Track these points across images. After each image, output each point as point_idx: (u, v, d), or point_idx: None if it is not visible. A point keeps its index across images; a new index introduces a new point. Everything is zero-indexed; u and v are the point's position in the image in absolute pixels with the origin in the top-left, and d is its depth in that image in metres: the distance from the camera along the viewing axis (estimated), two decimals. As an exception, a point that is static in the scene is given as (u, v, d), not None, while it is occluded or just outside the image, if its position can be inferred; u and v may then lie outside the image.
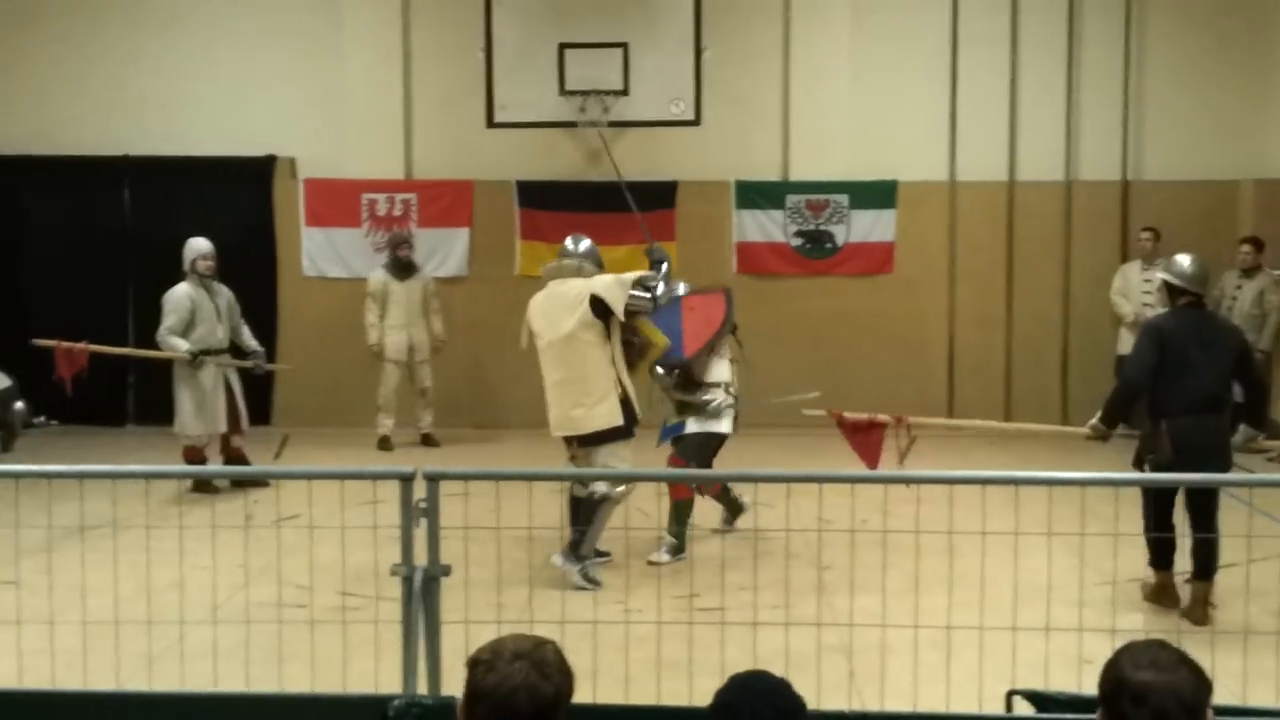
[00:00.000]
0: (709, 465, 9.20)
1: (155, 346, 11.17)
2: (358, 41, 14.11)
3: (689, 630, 5.64)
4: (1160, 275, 8.10)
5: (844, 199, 14.06)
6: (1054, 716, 4.37)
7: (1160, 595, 7.71)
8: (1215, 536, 7.26)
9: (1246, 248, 12.96)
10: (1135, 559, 7.72)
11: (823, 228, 14.08)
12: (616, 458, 8.42)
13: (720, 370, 9.43)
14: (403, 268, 13.19)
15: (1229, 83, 13.93)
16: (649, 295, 8.49)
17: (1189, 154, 13.86)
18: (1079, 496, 6.40)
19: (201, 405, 11.05)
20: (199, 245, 11.16)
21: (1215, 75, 13.96)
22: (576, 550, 8.32)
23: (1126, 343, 13.37)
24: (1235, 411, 7.99)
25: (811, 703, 3.19)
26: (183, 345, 10.91)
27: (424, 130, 14.28)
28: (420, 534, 4.91)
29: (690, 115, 13.21)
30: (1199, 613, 7.38)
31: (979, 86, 13.98)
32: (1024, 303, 14.13)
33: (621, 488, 8.32)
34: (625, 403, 8.43)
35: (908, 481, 5.94)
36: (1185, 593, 7.59)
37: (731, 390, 9.44)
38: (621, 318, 8.34)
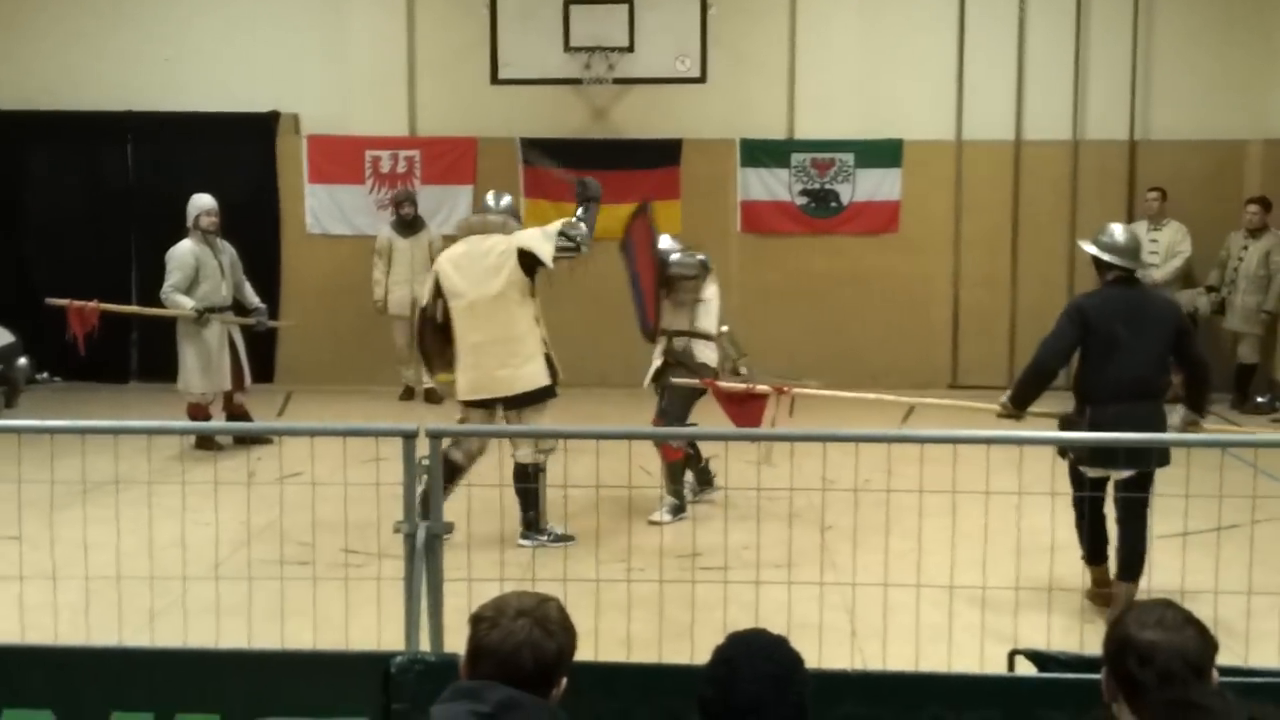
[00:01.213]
0: (686, 418, 9.00)
1: (159, 303, 11.18)
2: (362, -3, 14.05)
3: (691, 589, 5.64)
4: (1087, 247, 7.24)
5: (849, 158, 14.00)
6: (1056, 675, 4.38)
7: (1096, 592, 7.07)
8: (1143, 541, 6.79)
9: (1254, 208, 12.93)
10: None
11: (828, 186, 14.03)
12: (547, 418, 8.36)
13: (704, 319, 9.17)
14: (406, 225, 13.19)
15: (1238, 42, 13.83)
16: (575, 243, 8.28)
17: (1197, 113, 13.78)
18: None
19: (206, 362, 11.06)
20: (202, 201, 11.14)
21: (1224, 34, 13.86)
22: (536, 527, 8.32)
23: None
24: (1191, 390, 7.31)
25: (813, 661, 3.19)
26: (188, 303, 10.91)
27: (428, 87, 14.22)
28: (423, 491, 4.91)
29: (695, 72, 13.12)
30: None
31: (986, 44, 13.90)
32: (1030, 264, 14.08)
33: (548, 450, 8.18)
34: (549, 362, 8.36)
35: (917, 440, 5.89)
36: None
37: (728, 346, 9.34)
38: (550, 266, 8.20)
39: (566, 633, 3.03)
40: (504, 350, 8.20)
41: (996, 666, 4.73)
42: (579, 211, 8.54)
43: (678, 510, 8.93)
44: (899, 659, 5.39)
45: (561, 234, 8.26)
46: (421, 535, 4.80)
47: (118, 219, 14.24)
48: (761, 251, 13.93)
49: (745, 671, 2.97)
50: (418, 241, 13.18)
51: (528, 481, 8.17)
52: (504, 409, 8.37)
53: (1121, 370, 6.89)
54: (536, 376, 8.27)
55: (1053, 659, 4.48)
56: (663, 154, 13.98)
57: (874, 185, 14.04)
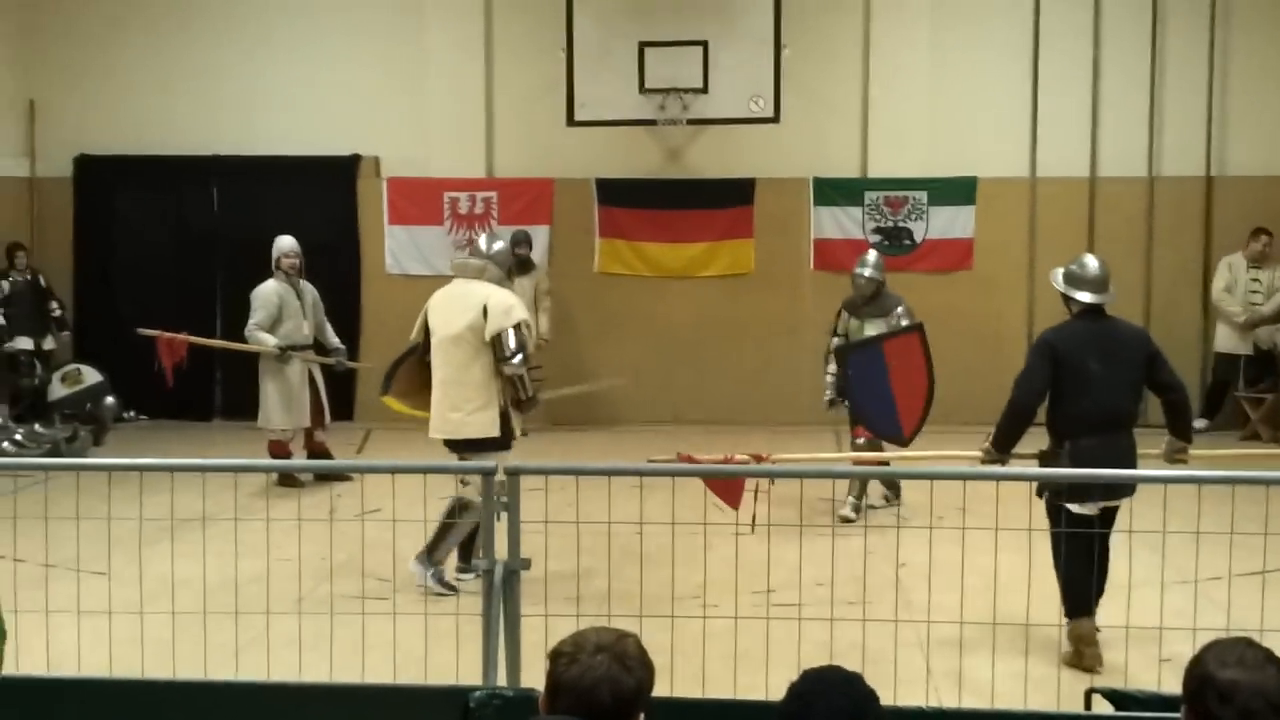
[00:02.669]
0: None
1: (244, 342, 11.37)
2: (440, 41, 14.26)
3: (765, 625, 5.66)
4: (1054, 282, 7.22)
5: (923, 195, 14.00)
6: (1133, 715, 4.35)
7: (1079, 648, 6.66)
8: (1102, 577, 6.65)
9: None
10: (1218, 557, 7.61)
11: (901, 224, 14.03)
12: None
13: None
14: (521, 264, 13.30)
15: (1316, 76, 13.70)
16: (517, 356, 8.15)
17: (1274, 148, 13.64)
18: (1159, 495, 6.34)
19: (287, 399, 11.23)
20: (284, 243, 11.34)
21: (1302, 68, 13.75)
22: (431, 554, 8.19)
23: (1226, 340, 13.26)
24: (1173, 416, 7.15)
25: (888, 699, 3.21)
26: (270, 340, 11.10)
27: (505, 129, 14.39)
28: (501, 528, 4.97)
29: (769, 112, 13.16)
30: (1074, 655, 6.61)
31: (1060, 81, 13.86)
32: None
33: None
34: (504, 417, 8.25)
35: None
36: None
37: None
38: (487, 338, 8.13)
39: (645, 668, 3.04)
40: (457, 393, 8.18)
41: (1074, 705, 4.71)
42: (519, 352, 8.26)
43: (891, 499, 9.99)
44: (974, 697, 5.39)
45: (519, 330, 8.17)
46: (499, 571, 4.86)
47: (202, 260, 14.52)
48: (835, 289, 13.83)
49: (819, 707, 2.98)
50: (527, 281, 13.29)
51: (451, 516, 8.08)
52: (451, 449, 8.33)
53: (1095, 403, 6.81)
54: (483, 426, 8.16)
55: (1130, 698, 4.45)
56: (736, 193, 14.05)
57: (947, 222, 14.02)
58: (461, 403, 8.16)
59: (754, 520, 6.06)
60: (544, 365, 13.71)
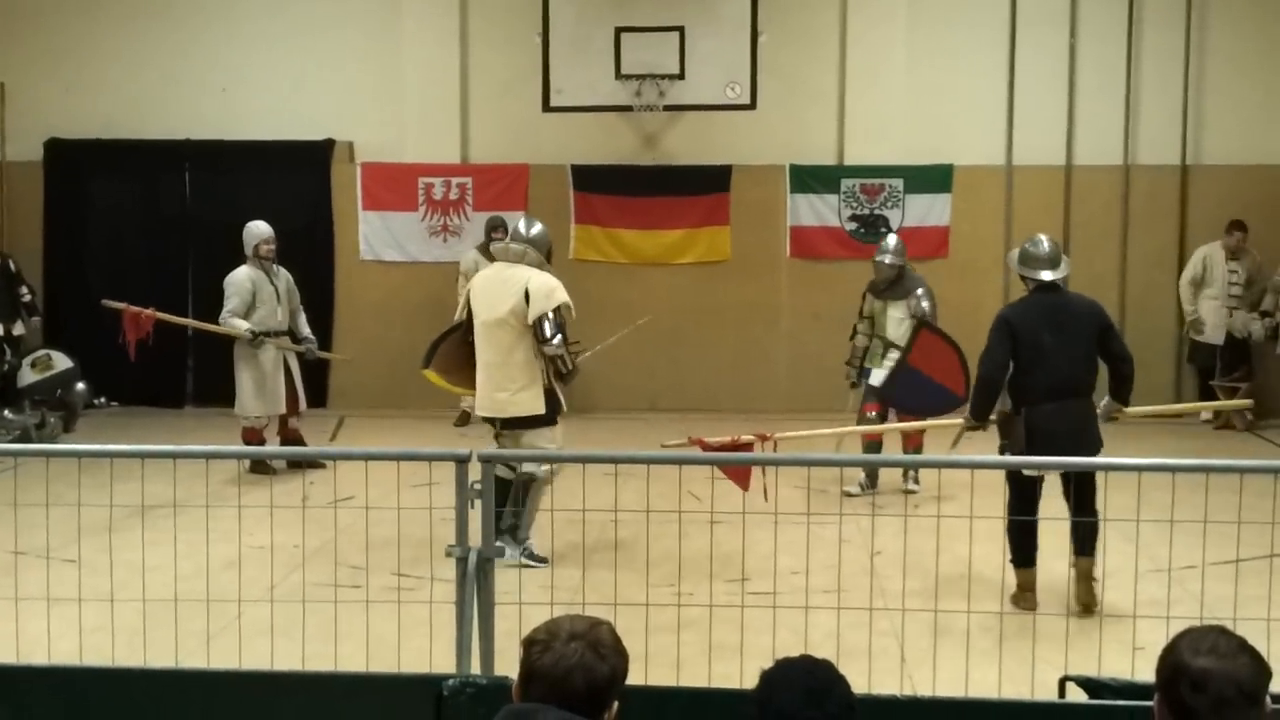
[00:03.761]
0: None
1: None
2: (416, 26, 14.19)
3: (740, 614, 5.65)
4: (1010, 261, 7.89)
5: (899, 183, 14.00)
6: (1107, 703, 4.36)
7: (1021, 596, 7.33)
8: (1095, 519, 7.14)
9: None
10: (1190, 546, 7.63)
11: (877, 212, 14.03)
12: (544, 439, 8.47)
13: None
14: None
15: (1291, 66, 13.75)
16: (556, 337, 8.38)
17: (1249, 138, 13.70)
18: (1133, 483, 6.36)
19: (261, 386, 11.18)
20: (260, 229, 11.28)
21: (1277, 58, 13.78)
22: (515, 534, 8.38)
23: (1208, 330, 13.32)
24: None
25: (863, 687, 3.21)
26: (243, 325, 11.04)
27: (480, 114, 14.34)
28: (475, 515, 4.95)
29: (746, 99, 13.15)
30: (1084, 589, 7.18)
31: (1037, 69, 13.89)
32: (1080, 288, 13.80)
33: (546, 469, 8.34)
34: (550, 393, 8.48)
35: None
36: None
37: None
38: (529, 322, 8.30)
39: (619, 656, 3.03)
40: (502, 374, 8.40)
41: (1047, 693, 4.71)
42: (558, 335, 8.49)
43: (869, 485, 10.00)
44: (949, 685, 5.39)
45: (559, 314, 8.39)
46: (473, 559, 4.84)
47: (174, 246, 14.43)
48: (811, 277, 13.93)
49: (781, 685, 3.00)
50: None
51: (521, 488, 8.45)
52: (500, 428, 8.58)
53: (1050, 373, 7.37)
54: (529, 404, 8.39)
55: (1104, 686, 4.45)
56: (713, 180, 14.03)
57: (924, 210, 14.03)
58: (506, 383, 8.39)
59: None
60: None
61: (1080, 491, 7.02)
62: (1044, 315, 7.51)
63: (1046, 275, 7.62)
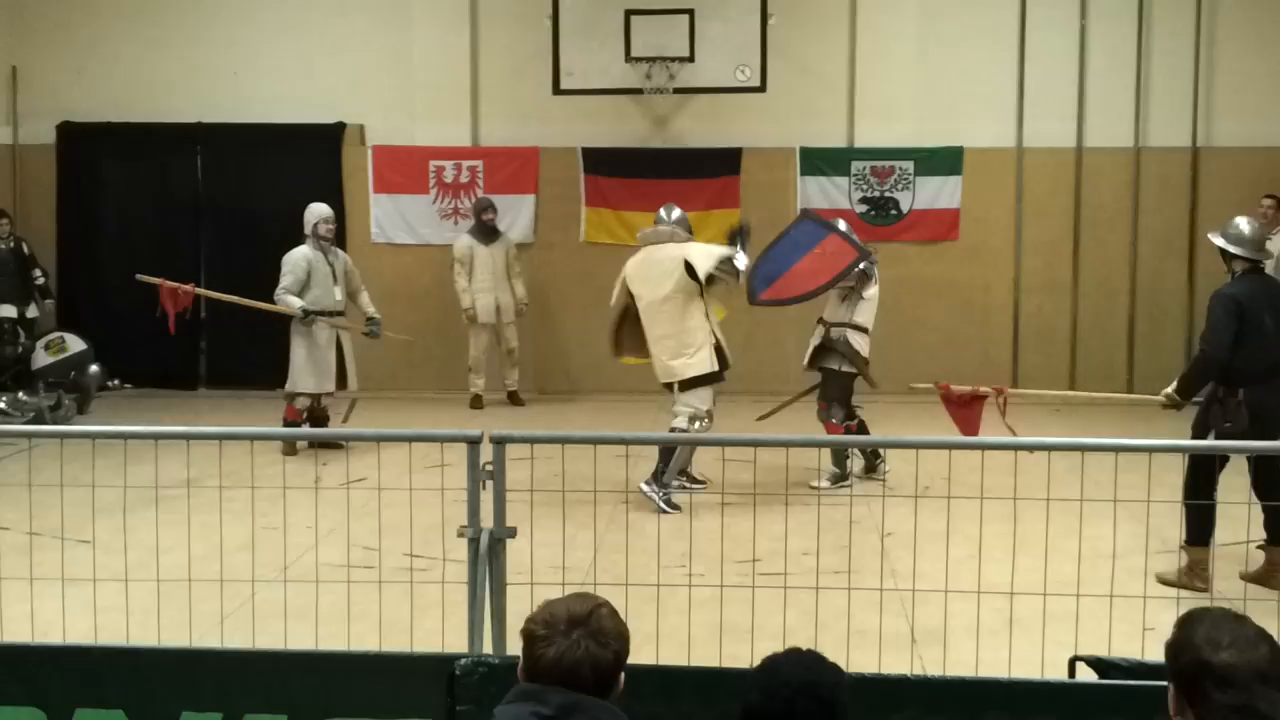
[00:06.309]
0: (847, 403, 10.01)
1: (244, 308, 11.41)
2: (426, 9, 14.19)
3: (751, 594, 5.67)
4: (1215, 239, 7.79)
5: (909, 165, 13.98)
6: (1117, 683, 4.37)
7: (1193, 574, 7.37)
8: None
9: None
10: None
11: (888, 194, 14.02)
12: (698, 398, 9.44)
13: (863, 313, 9.99)
14: (487, 232, 13.34)
15: (1303, 47, 13.69)
16: (734, 274, 9.48)
17: (1262, 120, 13.64)
18: (1144, 463, 6.37)
19: (314, 361, 11.29)
20: (321, 210, 11.49)
21: (1289, 40, 13.74)
22: (659, 478, 9.23)
23: None
24: None
25: (873, 667, 3.23)
26: (297, 302, 11.16)
27: (491, 97, 14.33)
28: (487, 496, 4.97)
29: (756, 82, 13.13)
30: (1277, 578, 7.30)
31: (1047, 51, 13.84)
32: (1090, 271, 14.00)
33: (700, 423, 9.28)
34: (719, 350, 9.50)
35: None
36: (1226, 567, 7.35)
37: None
38: (702, 279, 9.27)
39: (620, 639, 3.03)
40: (675, 344, 9.46)
41: (1057, 673, 4.72)
42: (739, 250, 9.54)
43: (838, 479, 9.82)
44: (959, 665, 5.40)
45: (725, 260, 9.39)
46: (485, 539, 4.86)
47: (186, 228, 14.45)
48: (822, 259, 13.92)
49: (774, 671, 3.06)
50: (497, 249, 13.32)
51: (671, 442, 9.18)
52: (679, 390, 9.52)
53: (1268, 353, 7.45)
54: (702, 364, 9.44)
55: (1114, 665, 4.46)
56: (723, 163, 14.02)
57: (934, 193, 14.01)
58: (681, 349, 9.46)
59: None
60: (524, 338, 13.74)
61: (1272, 476, 7.12)
62: (1267, 296, 7.58)
63: (1264, 258, 7.77)
